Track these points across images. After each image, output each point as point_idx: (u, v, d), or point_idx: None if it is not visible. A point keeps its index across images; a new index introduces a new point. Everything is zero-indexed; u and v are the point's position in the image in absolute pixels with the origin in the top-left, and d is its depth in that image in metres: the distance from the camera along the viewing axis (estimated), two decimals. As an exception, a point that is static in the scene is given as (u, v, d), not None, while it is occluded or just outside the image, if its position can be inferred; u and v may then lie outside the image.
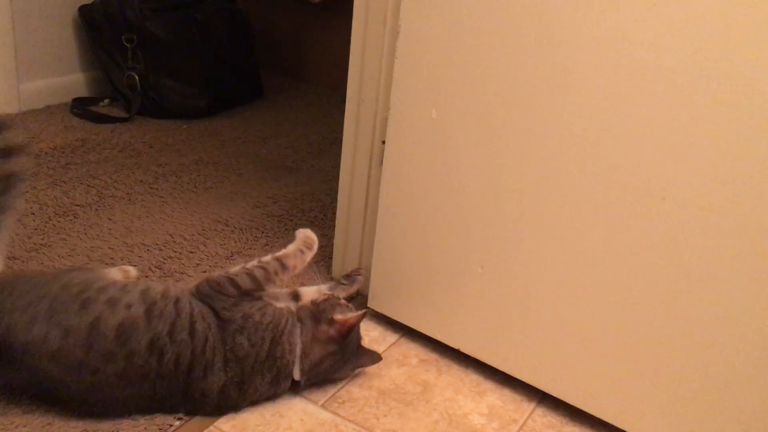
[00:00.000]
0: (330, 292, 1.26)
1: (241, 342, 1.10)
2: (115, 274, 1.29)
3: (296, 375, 1.14)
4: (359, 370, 1.25)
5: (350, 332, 1.16)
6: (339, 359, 1.17)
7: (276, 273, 1.17)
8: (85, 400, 1.05)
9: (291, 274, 1.20)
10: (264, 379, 1.12)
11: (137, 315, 1.06)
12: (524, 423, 1.20)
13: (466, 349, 1.29)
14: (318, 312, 1.16)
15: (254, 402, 1.15)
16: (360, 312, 1.15)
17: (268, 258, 1.19)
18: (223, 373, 1.09)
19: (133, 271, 1.34)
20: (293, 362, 1.13)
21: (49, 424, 1.05)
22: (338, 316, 1.14)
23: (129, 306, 1.06)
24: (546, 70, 1.05)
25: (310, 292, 1.26)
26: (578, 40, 1.00)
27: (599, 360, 1.12)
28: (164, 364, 1.05)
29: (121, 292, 1.09)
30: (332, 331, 1.14)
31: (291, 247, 1.22)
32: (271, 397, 1.16)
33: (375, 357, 1.22)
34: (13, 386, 1.06)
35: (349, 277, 1.33)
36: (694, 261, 1.00)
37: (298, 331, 1.14)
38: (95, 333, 1.03)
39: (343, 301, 1.21)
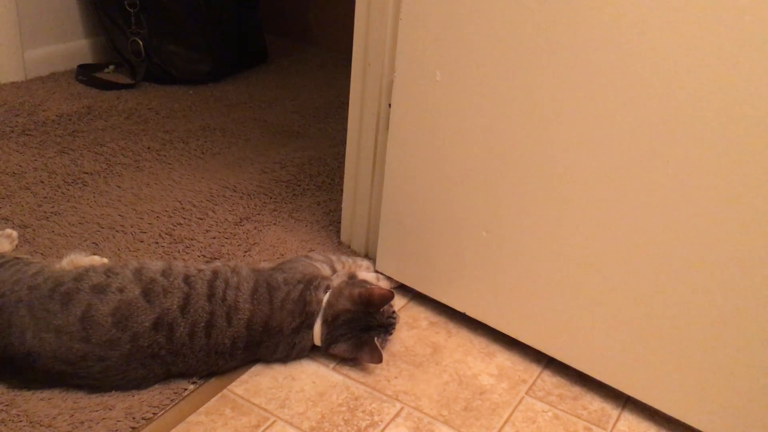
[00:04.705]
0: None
1: (276, 277, 1.18)
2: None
3: (317, 326, 1.16)
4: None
5: (372, 302, 1.15)
6: (353, 323, 1.16)
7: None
8: (98, 386, 1.06)
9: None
10: (292, 321, 1.14)
11: (133, 297, 1.06)
12: (533, 383, 1.21)
13: (472, 313, 1.29)
14: (352, 277, 1.25)
15: (275, 352, 1.16)
16: (388, 288, 1.21)
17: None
18: (249, 305, 1.12)
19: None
20: (318, 312, 1.16)
21: (65, 390, 1.07)
22: (368, 285, 1.19)
23: (121, 290, 1.06)
24: (550, 33, 1.03)
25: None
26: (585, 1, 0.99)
27: (603, 324, 1.13)
28: (176, 338, 1.06)
29: (106, 277, 1.08)
30: (356, 291, 1.16)
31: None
32: (290, 352, 1.17)
33: (375, 357, 1.17)
34: (35, 384, 1.07)
35: None
36: (697, 226, 0.99)
37: (329, 293, 1.19)
38: (89, 324, 1.03)
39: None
